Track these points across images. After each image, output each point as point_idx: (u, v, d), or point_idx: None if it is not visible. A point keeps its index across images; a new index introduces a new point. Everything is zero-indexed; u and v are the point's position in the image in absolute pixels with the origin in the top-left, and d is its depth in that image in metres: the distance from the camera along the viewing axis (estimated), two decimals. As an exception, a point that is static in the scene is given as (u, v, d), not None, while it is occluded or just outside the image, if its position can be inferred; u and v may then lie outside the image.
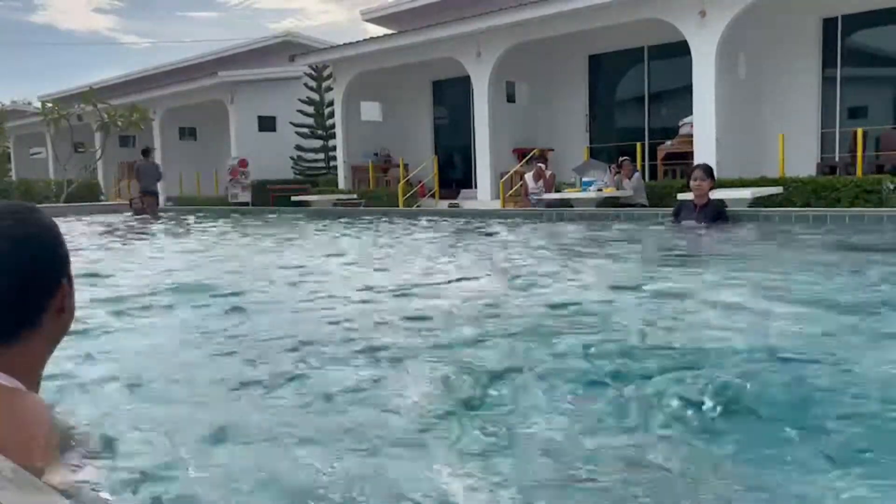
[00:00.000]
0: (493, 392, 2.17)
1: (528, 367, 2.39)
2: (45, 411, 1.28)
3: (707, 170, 7.18)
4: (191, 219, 13.68)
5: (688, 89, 12.80)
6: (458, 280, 4.70)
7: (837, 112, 13.41)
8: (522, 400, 2.10)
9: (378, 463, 1.68)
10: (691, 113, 12.84)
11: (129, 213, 15.07)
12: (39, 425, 1.22)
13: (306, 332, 3.15)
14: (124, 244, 8.91)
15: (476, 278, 4.89)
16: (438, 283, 4.58)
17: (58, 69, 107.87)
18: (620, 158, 13.22)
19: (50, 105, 23.54)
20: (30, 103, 36.98)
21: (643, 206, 12.13)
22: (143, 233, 10.68)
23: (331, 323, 3.28)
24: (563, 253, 6.40)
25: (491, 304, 3.63)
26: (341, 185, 18.33)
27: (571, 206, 11.72)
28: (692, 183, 7.16)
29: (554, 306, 3.56)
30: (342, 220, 11.83)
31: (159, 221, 13.08)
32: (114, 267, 6.07)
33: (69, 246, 1.38)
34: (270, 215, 14.21)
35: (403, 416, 1.98)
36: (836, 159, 12.82)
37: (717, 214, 7.18)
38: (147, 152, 16.25)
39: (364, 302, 3.85)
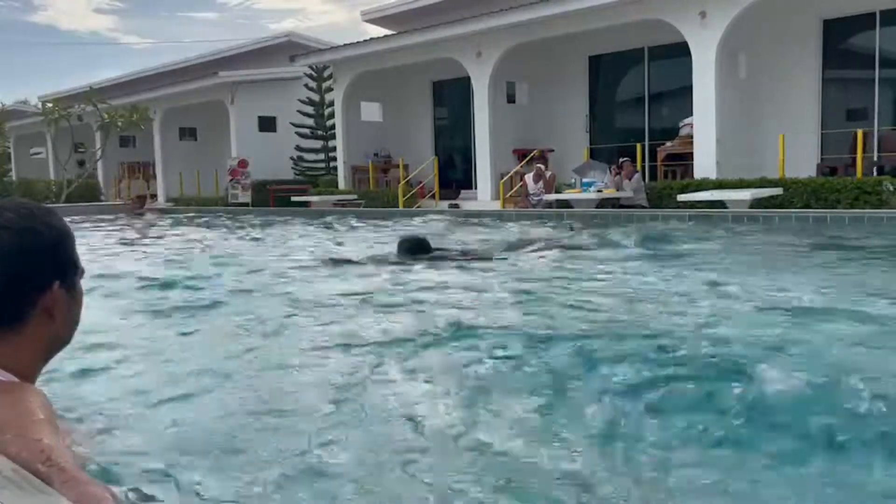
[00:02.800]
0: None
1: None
2: (42, 397, 1.28)
3: None
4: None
5: (688, 90, 12.79)
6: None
7: (839, 112, 13.40)
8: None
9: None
10: (691, 113, 12.82)
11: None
12: (37, 405, 1.22)
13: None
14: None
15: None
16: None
17: (58, 69, 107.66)
18: (621, 159, 13.20)
19: (50, 105, 23.53)
20: (28, 102, 36.94)
21: (643, 207, 12.12)
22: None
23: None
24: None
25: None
26: (341, 185, 18.31)
27: (571, 207, 11.72)
28: None
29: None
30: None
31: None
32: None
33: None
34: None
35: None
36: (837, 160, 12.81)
37: None
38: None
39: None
